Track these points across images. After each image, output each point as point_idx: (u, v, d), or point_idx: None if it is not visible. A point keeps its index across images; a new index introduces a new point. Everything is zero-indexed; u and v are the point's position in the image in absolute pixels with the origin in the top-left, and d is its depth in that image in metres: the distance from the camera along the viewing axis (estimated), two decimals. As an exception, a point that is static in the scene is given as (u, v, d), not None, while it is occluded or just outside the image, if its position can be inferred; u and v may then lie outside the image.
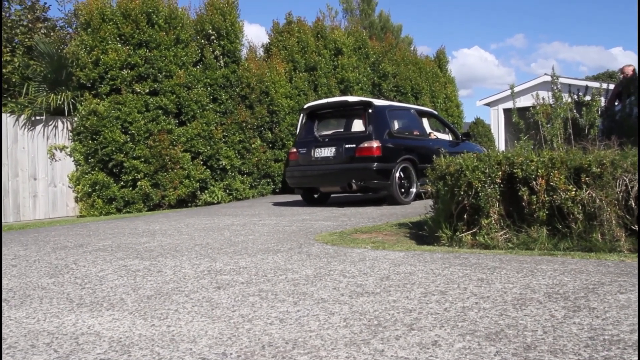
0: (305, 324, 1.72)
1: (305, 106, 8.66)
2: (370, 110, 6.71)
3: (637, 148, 3.36)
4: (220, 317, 1.84)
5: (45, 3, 10.47)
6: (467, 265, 2.58)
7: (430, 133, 8.11)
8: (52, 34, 9.77)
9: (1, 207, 6.95)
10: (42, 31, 9.61)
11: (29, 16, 9.69)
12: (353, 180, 6.33)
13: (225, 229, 4.59)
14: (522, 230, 3.29)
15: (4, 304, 2.17)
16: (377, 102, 7.29)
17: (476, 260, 2.73)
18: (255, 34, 43.56)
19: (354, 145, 6.50)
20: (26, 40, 9.39)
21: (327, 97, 10.82)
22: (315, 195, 7.45)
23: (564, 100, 5.12)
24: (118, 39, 8.18)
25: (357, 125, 7.47)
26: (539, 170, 3.23)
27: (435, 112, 8.94)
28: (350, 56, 11.89)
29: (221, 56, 9.40)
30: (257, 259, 2.99)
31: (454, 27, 75.82)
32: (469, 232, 3.41)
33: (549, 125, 4.82)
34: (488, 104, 17.25)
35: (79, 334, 1.70)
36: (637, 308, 1.76)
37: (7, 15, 9.68)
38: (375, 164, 6.33)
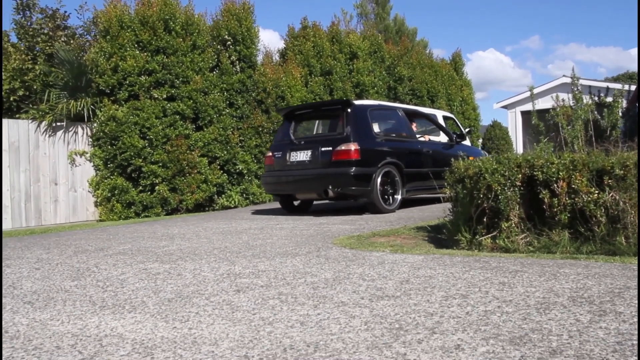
0: (326, 327, 1.72)
1: (282, 108, 8.37)
2: (349, 110, 6.16)
3: (638, 148, 3.33)
4: (241, 320, 1.85)
5: (66, 12, 10.66)
6: (488, 269, 2.55)
7: (424, 134, 7.73)
8: (71, 41, 9.93)
9: (0, 213, 6.93)
10: (62, 39, 9.78)
11: (49, 24, 9.86)
12: (329, 187, 5.82)
13: (243, 232, 4.61)
14: (543, 233, 3.25)
15: (29, 306, 2.20)
16: (358, 101, 6.88)
17: (497, 263, 2.69)
18: (268, 40, 43.83)
19: (331, 149, 5.97)
20: (47, 48, 9.56)
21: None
22: (295, 203, 6.99)
23: (584, 101, 5.05)
24: (136, 45, 8.30)
25: (336, 127, 6.97)
26: (560, 173, 3.18)
27: (426, 112, 8.28)
28: (365, 60, 11.88)
29: (237, 61, 9.47)
30: (276, 262, 2.99)
31: (468, 29, 75.38)
32: (489, 235, 3.38)
33: (569, 127, 4.76)
34: (505, 107, 17.10)
35: (103, 336, 1.72)
36: (665, 312, 1.72)
37: (29, 24, 9.87)
38: (353, 169, 5.79)
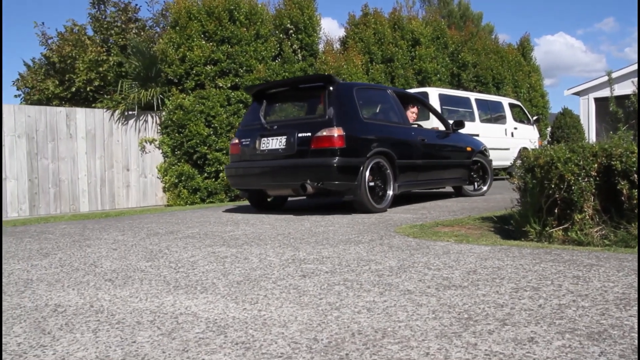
0: (393, 314, 1.72)
1: (250, 85, 7.14)
2: (331, 89, 5.12)
3: (638, 145, 3.12)
4: (308, 304, 1.88)
5: (136, 4, 11.12)
6: (560, 262, 2.45)
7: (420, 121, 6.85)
8: (142, 33, 10.38)
9: (1, 204, 7.21)
10: (133, 31, 10.23)
11: (122, 17, 10.35)
12: (308, 181, 4.84)
13: (305, 219, 4.67)
14: (620, 226, 3.07)
15: (109, 283, 2.35)
16: (341, 81, 6.00)
17: (570, 256, 2.58)
18: (327, 28, 43.79)
19: (309, 134, 4.96)
20: (120, 40, 10.04)
21: (404, 88, 10.67)
22: (269, 199, 6.03)
23: (669, 86, 4.70)
24: (202, 36, 8.54)
25: (316, 109, 5.94)
26: (642, 163, 2.99)
27: (418, 96, 7.30)
28: (428, 46, 11.63)
29: (299, 50, 9.54)
30: (339, 249, 3.02)
31: (536, 13, 71.86)
32: (560, 227, 3.24)
33: (651, 114, 4.45)
34: (577, 93, 16.22)
35: (178, 314, 1.81)
36: None
37: (103, 17, 10.39)
38: (337, 159, 4.80)
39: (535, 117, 12.09)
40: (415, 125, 6.44)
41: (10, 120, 7.40)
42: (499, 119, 11.02)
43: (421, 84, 11.16)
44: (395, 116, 5.89)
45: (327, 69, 9.59)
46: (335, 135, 4.86)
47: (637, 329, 1.50)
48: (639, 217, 3.03)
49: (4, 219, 7.04)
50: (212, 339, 1.55)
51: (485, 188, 7.04)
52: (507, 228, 3.68)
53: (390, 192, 5.29)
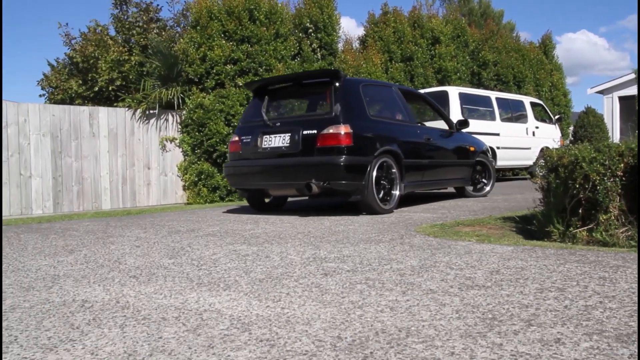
0: (417, 314, 1.71)
1: (251, 81, 6.91)
2: (337, 85, 4.98)
3: (637, 145, 3.05)
4: (331, 302, 1.89)
5: (158, 5, 11.25)
6: (585, 263, 2.42)
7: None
8: (163, 33, 10.49)
9: (1, 202, 6.94)
10: (154, 31, 10.35)
11: (143, 17, 10.47)
12: (313, 180, 4.67)
13: (325, 218, 4.68)
14: (647, 227, 3.01)
15: (134, 280, 2.38)
16: (347, 76, 5.84)
17: (595, 257, 2.54)
18: (345, 26, 43.66)
19: (315, 132, 4.79)
20: (141, 40, 10.17)
21: (423, 88, 10.60)
22: (267, 200, 5.83)
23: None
24: (223, 35, 8.61)
25: (322, 105, 5.77)
26: (670, 162, 2.93)
27: (421, 93, 7.17)
28: (448, 45, 11.55)
29: (318, 49, 9.56)
30: (360, 248, 3.02)
31: (557, 11, 70.71)
32: (585, 227, 3.19)
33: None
34: (601, 92, 15.93)
35: (202, 311, 1.83)
36: None
37: (125, 17, 10.53)
38: (344, 158, 4.64)
39: (557, 116, 11.91)
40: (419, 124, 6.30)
41: (36, 119, 7.55)
42: (520, 118, 10.89)
43: (441, 82, 11.08)
44: (401, 114, 5.76)
45: (347, 67, 9.59)
46: (343, 132, 4.70)
47: (667, 332, 1.47)
48: (639, 220, 2.94)
49: (29, 215, 7.19)
50: (236, 335, 1.56)
51: (488, 189, 6.87)
52: (529, 228, 3.64)
53: (396, 193, 5.13)
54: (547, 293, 1.91)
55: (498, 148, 10.08)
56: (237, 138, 5.42)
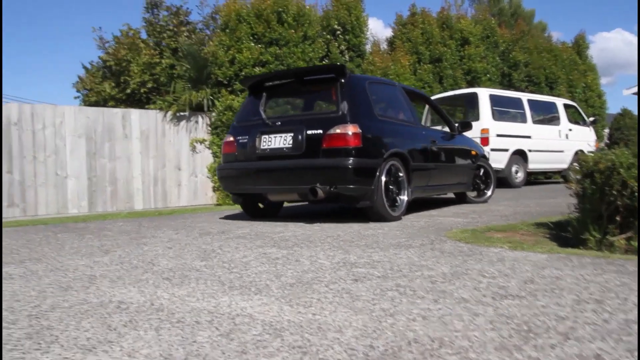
0: (449, 323, 1.69)
1: (247, 76, 6.59)
2: (343, 81, 4.68)
3: (638, 147, 2.92)
4: (362, 309, 1.88)
5: (188, 8, 11.43)
6: (625, 273, 2.35)
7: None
8: (192, 36, 10.65)
9: (1, 202, 7.15)
10: (184, 34, 10.52)
11: (174, 21, 10.66)
12: (318, 185, 4.38)
13: (354, 222, 4.67)
14: (689, 236, 2.91)
15: (167, 282, 2.43)
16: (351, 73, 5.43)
17: (634, 268, 2.47)
18: (372, 27, 43.53)
19: (321, 132, 4.48)
20: (172, 43, 10.35)
21: (452, 89, 10.48)
22: (261, 205, 5.46)
23: None
24: (251, 37, 8.69)
25: (325, 104, 5.41)
26: None
27: (424, 93, 6.99)
28: (477, 46, 11.40)
29: (346, 50, 9.56)
30: (390, 253, 3.00)
31: (590, 10, 68.93)
32: (623, 236, 3.10)
33: None
34: (637, 93, 15.44)
35: (235, 315, 1.85)
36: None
37: (157, 21, 10.73)
38: (353, 160, 4.34)
39: (591, 119, 11.62)
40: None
41: (72, 121, 7.76)
42: (553, 120, 10.66)
43: (470, 84, 10.94)
44: (407, 114, 5.46)
45: (374, 69, 9.56)
46: (351, 133, 4.40)
47: None
48: (639, 223, 2.88)
49: (64, 215, 7.40)
50: (269, 341, 1.58)
51: (489, 193, 6.64)
52: (563, 235, 3.55)
53: (404, 198, 4.86)
54: (585, 305, 1.87)
55: (530, 151, 9.89)
56: (232, 138, 5.07)
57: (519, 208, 5.65)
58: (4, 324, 1.81)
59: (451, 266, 2.59)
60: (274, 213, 5.56)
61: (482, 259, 2.77)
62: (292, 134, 4.62)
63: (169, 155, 8.64)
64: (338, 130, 4.42)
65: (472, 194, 6.53)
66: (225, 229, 4.44)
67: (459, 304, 1.91)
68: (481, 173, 6.55)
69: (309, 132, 4.54)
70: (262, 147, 4.79)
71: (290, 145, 4.61)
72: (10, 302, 2.11)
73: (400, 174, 4.83)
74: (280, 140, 4.69)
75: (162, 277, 2.54)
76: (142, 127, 8.40)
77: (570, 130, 10.70)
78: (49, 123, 7.59)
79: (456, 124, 6.26)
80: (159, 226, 4.84)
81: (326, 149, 4.45)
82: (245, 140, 4.91)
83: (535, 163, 10.09)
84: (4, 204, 7.16)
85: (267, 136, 4.78)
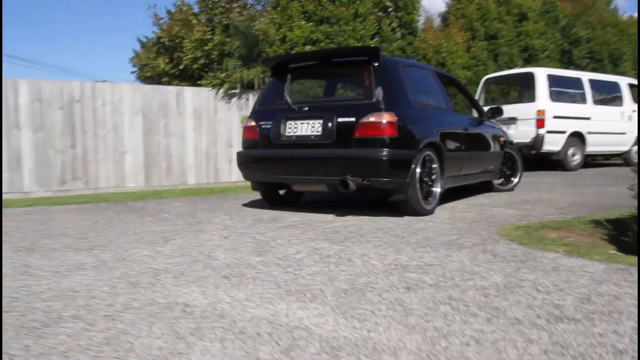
0: (503, 350, 1.72)
1: (269, 57, 6.31)
2: (376, 65, 4.40)
3: (638, 145, 2.67)
4: (415, 327, 1.93)
5: (239, -17, 11.41)
6: (687, 294, 2.28)
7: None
8: (243, 12, 10.68)
9: (1, 189, 6.96)
10: (236, 10, 10.57)
11: (226, -4, 10.71)
12: (349, 176, 4.20)
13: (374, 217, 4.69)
14: None
15: (226, 281, 2.55)
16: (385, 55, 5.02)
17: (698, 287, 2.39)
18: (426, 2, 41.95)
19: (353, 120, 4.25)
20: (224, 19, 10.43)
21: (508, 67, 10.11)
22: (281, 192, 5.30)
23: None
24: (302, 16, 8.63)
25: (359, 89, 5.14)
26: None
27: (454, 77, 6.74)
28: (536, 21, 10.90)
29: (398, 28, 9.36)
30: (441, 254, 3.02)
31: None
32: (687, 246, 2.99)
33: None
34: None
35: (293, 327, 1.94)
36: None
37: (209, -4, 10.81)
38: (388, 151, 4.14)
39: (658, 98, 10.97)
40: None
41: (129, 98, 8.04)
42: (615, 100, 10.15)
43: (527, 62, 10.52)
44: (440, 100, 5.23)
45: (427, 47, 9.33)
46: (386, 121, 4.15)
47: None
48: (638, 224, 2.73)
49: (123, 188, 7.76)
50: (327, 361, 1.66)
51: (516, 180, 6.43)
52: (623, 239, 3.45)
53: (437, 190, 4.67)
54: (644, 334, 1.84)
55: (589, 133, 9.50)
56: (253, 123, 4.83)
57: (575, 198, 5.49)
58: (86, 325, 1.97)
59: (504, 275, 2.59)
60: (294, 201, 5.44)
61: (537, 267, 2.75)
62: (321, 121, 4.39)
63: (221, 132, 8.84)
64: (372, 119, 4.20)
65: (497, 182, 6.38)
66: (277, 215, 4.55)
67: (513, 327, 1.93)
68: (508, 161, 6.40)
69: (340, 119, 4.32)
70: (287, 133, 4.58)
71: (320, 133, 4.38)
72: (86, 299, 2.29)
73: (434, 165, 4.64)
74: (307, 127, 4.46)
75: (220, 275, 2.66)
76: (195, 105, 8.60)
77: (634, 111, 10.17)
78: (107, 100, 7.89)
79: (486, 109, 6.09)
80: (213, 209, 5.02)
81: (359, 138, 4.24)
82: (269, 126, 4.68)
83: (594, 145, 9.70)
84: (69, 177, 7.58)
85: (293, 122, 4.56)
